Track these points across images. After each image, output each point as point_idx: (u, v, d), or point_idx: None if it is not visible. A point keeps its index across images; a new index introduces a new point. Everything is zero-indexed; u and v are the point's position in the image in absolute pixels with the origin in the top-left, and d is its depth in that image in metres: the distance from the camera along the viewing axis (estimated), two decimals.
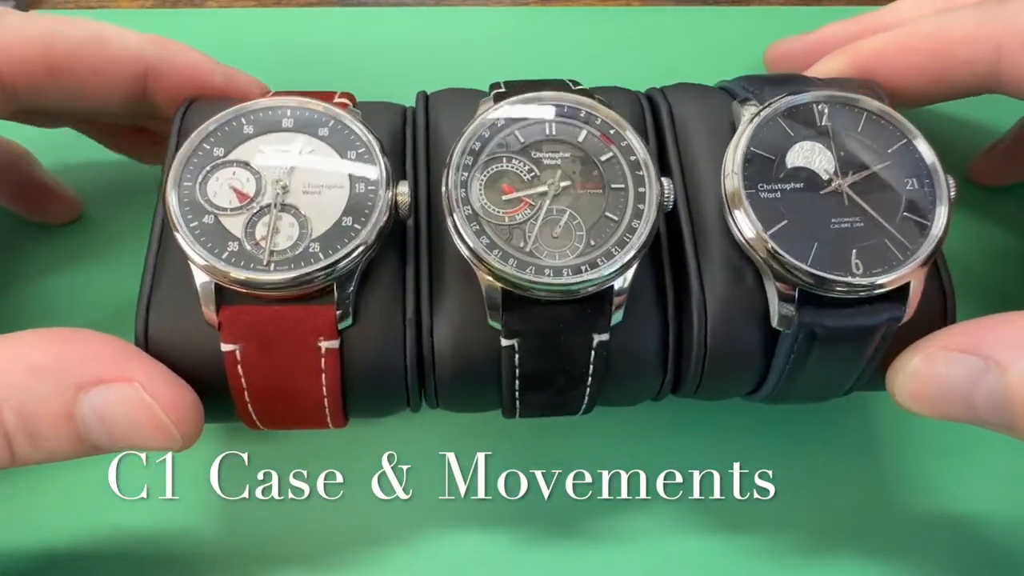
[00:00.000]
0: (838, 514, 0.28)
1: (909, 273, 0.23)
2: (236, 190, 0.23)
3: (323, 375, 0.23)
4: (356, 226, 0.22)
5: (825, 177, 0.24)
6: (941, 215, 0.23)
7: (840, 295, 0.22)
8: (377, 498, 0.28)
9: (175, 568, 0.26)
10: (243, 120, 0.24)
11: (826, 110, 0.25)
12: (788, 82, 0.26)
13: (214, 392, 0.23)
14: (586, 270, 0.23)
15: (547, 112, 0.25)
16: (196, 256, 0.21)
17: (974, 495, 0.28)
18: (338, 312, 0.22)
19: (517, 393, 0.24)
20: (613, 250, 0.23)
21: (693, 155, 0.26)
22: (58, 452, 0.21)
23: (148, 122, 0.30)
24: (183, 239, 0.22)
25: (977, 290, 0.31)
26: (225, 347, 0.22)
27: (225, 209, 0.22)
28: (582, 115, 0.25)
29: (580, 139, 0.24)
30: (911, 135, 0.25)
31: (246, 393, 0.23)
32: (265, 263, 0.22)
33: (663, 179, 0.24)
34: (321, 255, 0.22)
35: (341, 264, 0.22)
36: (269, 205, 0.22)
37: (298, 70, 0.29)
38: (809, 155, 0.24)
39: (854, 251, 0.23)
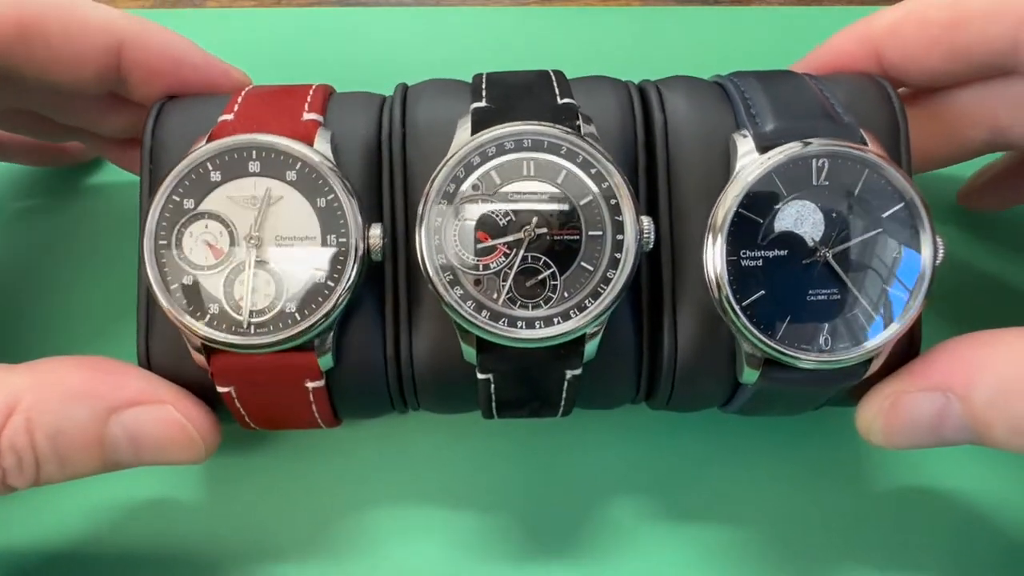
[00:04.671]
0: (823, 515, 0.29)
1: (875, 348, 0.23)
2: (210, 245, 0.23)
3: (312, 406, 0.25)
4: (330, 283, 0.23)
5: (810, 244, 0.23)
6: (922, 289, 0.23)
7: (803, 368, 0.23)
8: (361, 492, 0.30)
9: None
10: (209, 165, 0.23)
11: (826, 165, 0.23)
12: (785, 96, 0.24)
13: (212, 404, 0.25)
14: (559, 322, 0.23)
15: (526, 148, 0.23)
16: (179, 321, 0.23)
17: (961, 494, 0.30)
18: (319, 359, 0.24)
19: (494, 410, 0.26)
20: (587, 302, 0.23)
21: (683, 183, 0.25)
22: (80, 471, 0.23)
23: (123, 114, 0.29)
24: (166, 303, 0.23)
25: (954, 311, 0.31)
26: (220, 388, 0.24)
27: (202, 267, 0.23)
28: (563, 152, 0.23)
29: (560, 179, 0.23)
30: (908, 198, 0.23)
31: (245, 416, 0.25)
32: (245, 326, 0.23)
33: (643, 218, 0.23)
34: (298, 316, 0.23)
35: (318, 325, 0.23)
36: (244, 262, 0.23)
37: (298, 70, 0.28)
38: (798, 217, 0.23)
39: (825, 326, 0.23)
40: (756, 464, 0.30)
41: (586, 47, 0.26)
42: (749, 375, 0.23)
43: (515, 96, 0.24)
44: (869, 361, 0.23)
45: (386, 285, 0.25)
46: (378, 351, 0.25)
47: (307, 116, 0.24)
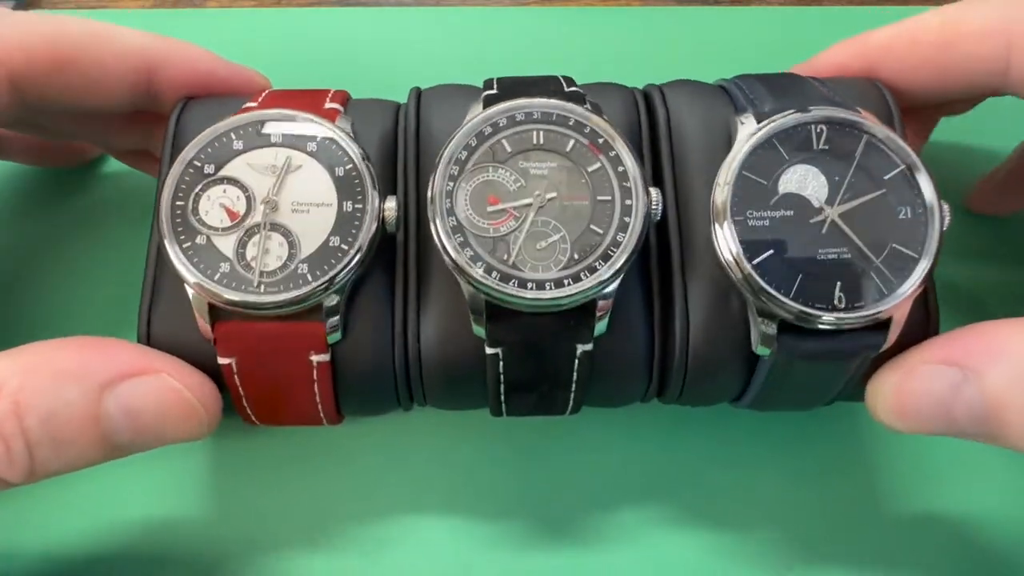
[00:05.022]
0: (827, 516, 0.29)
1: (892, 308, 0.22)
2: (227, 208, 0.23)
3: (315, 385, 0.24)
4: (343, 246, 0.23)
5: (816, 205, 0.23)
6: (931, 247, 0.23)
7: (821, 327, 0.22)
8: (369, 492, 0.29)
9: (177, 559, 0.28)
10: (232, 135, 0.24)
11: (824, 132, 0.24)
12: (785, 87, 0.25)
13: None
14: (568, 284, 0.23)
15: (536, 120, 0.24)
16: (189, 277, 0.22)
17: (963, 497, 0.29)
18: (327, 329, 0.23)
19: (502, 396, 0.25)
20: (597, 264, 0.23)
21: (688, 163, 0.26)
22: (79, 459, 0.22)
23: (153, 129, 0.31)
24: (177, 260, 0.23)
25: (968, 317, 0.30)
26: (222, 360, 0.23)
27: (216, 228, 0.23)
28: (571, 123, 0.24)
29: (568, 149, 0.24)
30: (909, 162, 0.24)
31: (244, 399, 0.24)
32: (255, 284, 0.22)
33: (652, 189, 0.24)
34: (309, 276, 0.23)
35: (328, 286, 0.22)
36: (259, 224, 0.23)
37: (298, 70, 0.29)
38: (802, 181, 0.23)
39: (838, 284, 0.22)
40: (761, 466, 0.29)
41: (586, 47, 0.27)
42: (764, 342, 0.23)
43: (524, 87, 0.26)
44: (887, 329, 0.23)
45: (397, 265, 0.25)
46: (386, 329, 0.24)
47: (329, 105, 0.25)
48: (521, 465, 0.29)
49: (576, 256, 0.23)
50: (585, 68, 0.28)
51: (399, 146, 0.26)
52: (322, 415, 0.25)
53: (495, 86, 0.26)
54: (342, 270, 0.23)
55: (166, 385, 0.22)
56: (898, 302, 0.23)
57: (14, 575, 0.27)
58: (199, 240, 0.23)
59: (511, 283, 0.23)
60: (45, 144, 0.32)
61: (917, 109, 0.29)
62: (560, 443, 0.30)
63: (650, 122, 0.27)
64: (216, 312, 0.23)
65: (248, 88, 0.29)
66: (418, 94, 0.28)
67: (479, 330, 0.23)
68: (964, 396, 0.21)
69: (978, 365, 0.21)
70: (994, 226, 0.33)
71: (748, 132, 0.24)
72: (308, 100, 0.26)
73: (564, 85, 0.26)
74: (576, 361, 0.24)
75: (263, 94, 0.26)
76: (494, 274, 0.23)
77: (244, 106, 0.25)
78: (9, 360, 0.21)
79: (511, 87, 0.26)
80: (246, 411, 0.25)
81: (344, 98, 0.27)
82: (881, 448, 0.29)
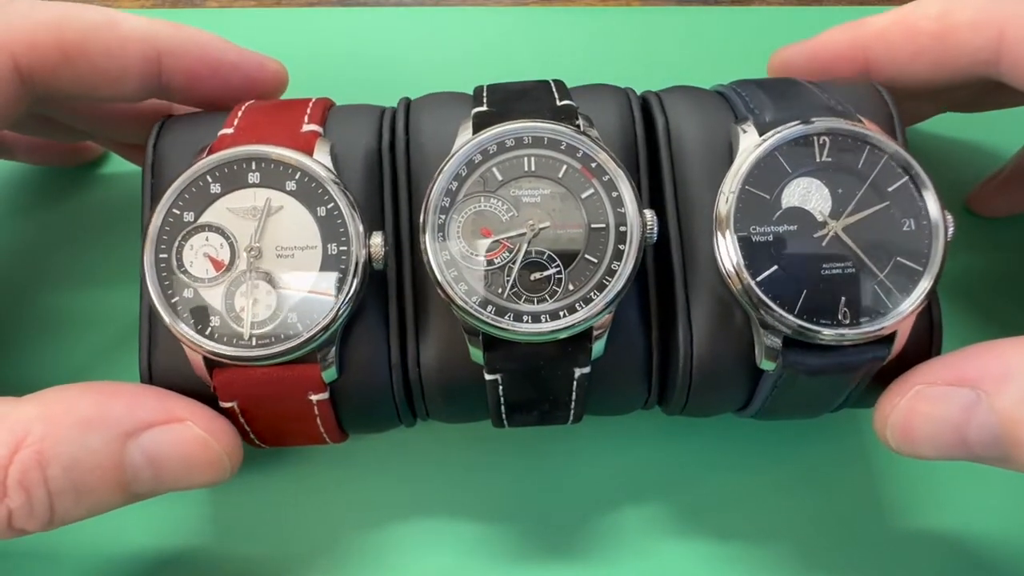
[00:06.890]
0: (829, 526, 0.29)
1: (896, 323, 0.22)
2: (211, 258, 0.23)
3: (317, 419, 0.24)
4: (331, 291, 0.22)
5: (819, 219, 0.23)
6: (935, 260, 0.23)
7: (825, 343, 0.22)
8: (370, 501, 0.29)
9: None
10: (209, 178, 0.23)
11: (827, 143, 0.23)
12: (785, 94, 0.24)
13: None
14: (564, 315, 0.23)
15: (526, 145, 0.23)
16: (181, 334, 0.22)
17: (964, 509, 0.29)
18: (323, 371, 0.23)
19: (504, 414, 0.25)
20: (592, 294, 0.23)
21: (688, 175, 0.25)
22: (98, 506, 0.22)
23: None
24: (167, 316, 0.22)
25: (969, 317, 0.31)
26: (224, 404, 0.23)
27: (203, 280, 0.22)
28: (563, 147, 0.23)
29: (560, 175, 0.23)
30: (912, 173, 0.23)
31: (249, 433, 0.25)
32: (247, 337, 0.22)
33: (645, 212, 0.23)
34: (299, 326, 0.22)
35: (320, 335, 0.22)
36: (244, 273, 0.22)
37: (297, 70, 0.27)
38: (805, 194, 0.23)
39: (843, 299, 0.22)
40: (764, 475, 0.30)
41: (586, 47, 0.26)
42: (768, 357, 0.23)
43: (515, 99, 0.25)
44: (892, 341, 0.23)
45: (390, 292, 0.25)
46: (383, 360, 0.24)
47: (306, 127, 0.24)
48: (522, 472, 0.30)
49: (571, 287, 0.23)
50: (584, 68, 0.28)
51: (386, 163, 0.25)
52: (326, 439, 0.25)
53: (484, 98, 0.25)
54: (333, 320, 0.22)
55: (191, 435, 0.22)
56: (902, 317, 0.22)
57: None
58: (187, 293, 0.22)
59: (507, 317, 0.23)
60: (49, 143, 0.31)
61: (912, 97, 0.28)
62: (561, 449, 0.30)
63: (648, 131, 0.26)
64: (212, 361, 0.23)
65: (261, 75, 0.27)
66: (407, 105, 0.26)
67: (476, 354, 0.24)
68: (977, 418, 0.21)
69: (988, 386, 0.21)
70: (994, 226, 0.33)
71: (751, 143, 0.23)
72: (285, 121, 0.24)
73: (556, 97, 0.25)
74: (574, 383, 0.24)
75: (240, 109, 0.25)
76: (489, 308, 0.23)
77: (220, 133, 0.24)
78: (32, 407, 0.21)
79: (501, 99, 0.25)
80: (251, 439, 0.25)
81: (323, 112, 0.25)
82: (884, 458, 0.30)
